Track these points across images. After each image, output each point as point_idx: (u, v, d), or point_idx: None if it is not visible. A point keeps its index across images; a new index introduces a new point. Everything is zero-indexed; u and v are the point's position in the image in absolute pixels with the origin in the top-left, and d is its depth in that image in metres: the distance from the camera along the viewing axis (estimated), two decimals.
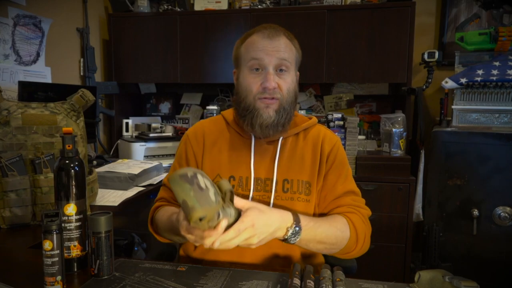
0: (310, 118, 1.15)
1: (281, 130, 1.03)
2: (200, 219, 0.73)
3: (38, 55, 2.16)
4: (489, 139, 1.89)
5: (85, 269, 0.87)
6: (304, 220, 0.91)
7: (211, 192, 0.74)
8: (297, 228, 0.89)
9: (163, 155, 2.44)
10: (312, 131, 1.12)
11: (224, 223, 0.76)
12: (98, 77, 2.65)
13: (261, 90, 1.00)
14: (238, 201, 0.82)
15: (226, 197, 0.79)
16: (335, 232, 0.97)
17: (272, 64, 1.00)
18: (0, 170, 1.16)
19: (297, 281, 0.79)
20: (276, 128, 1.02)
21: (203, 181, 0.74)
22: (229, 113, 1.15)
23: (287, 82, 1.02)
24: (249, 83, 1.01)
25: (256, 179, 1.05)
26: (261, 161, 1.06)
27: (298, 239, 0.89)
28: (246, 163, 1.06)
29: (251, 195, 1.04)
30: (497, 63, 1.97)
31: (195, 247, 1.08)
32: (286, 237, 0.88)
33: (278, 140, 1.07)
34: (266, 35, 1.02)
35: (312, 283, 0.78)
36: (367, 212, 1.06)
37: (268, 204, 1.03)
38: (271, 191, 1.04)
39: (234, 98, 1.09)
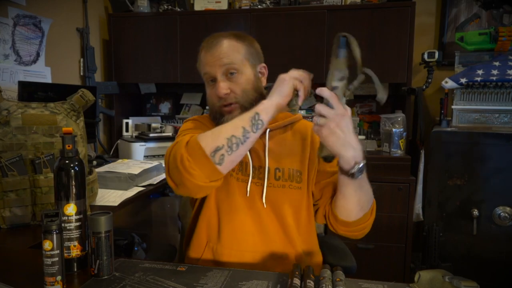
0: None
1: None
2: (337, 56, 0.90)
3: (38, 55, 2.16)
4: (489, 139, 1.89)
5: (85, 269, 0.87)
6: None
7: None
8: (363, 163, 0.92)
9: (163, 155, 2.44)
10: (299, 126, 1.15)
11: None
12: (98, 77, 2.65)
13: (219, 99, 1.04)
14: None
15: (359, 78, 0.93)
16: (370, 191, 1.02)
17: (219, 72, 1.03)
18: (0, 170, 1.16)
19: (297, 281, 0.79)
20: None
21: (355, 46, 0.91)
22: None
23: (240, 83, 1.04)
24: (210, 95, 1.08)
25: (253, 166, 1.07)
26: (253, 150, 1.08)
27: (363, 172, 0.93)
28: None
29: (250, 180, 1.06)
30: (497, 63, 1.97)
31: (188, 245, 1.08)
32: (354, 169, 0.90)
33: (265, 132, 1.08)
34: (207, 48, 1.06)
35: (312, 283, 0.78)
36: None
37: (261, 191, 1.05)
38: (264, 179, 1.06)
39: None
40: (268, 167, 1.06)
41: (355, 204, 0.99)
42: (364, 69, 0.89)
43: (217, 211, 1.07)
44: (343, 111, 0.86)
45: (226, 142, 0.86)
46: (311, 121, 0.95)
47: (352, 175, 0.91)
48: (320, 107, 0.87)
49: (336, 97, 0.88)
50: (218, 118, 1.06)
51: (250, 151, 1.06)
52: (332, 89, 0.90)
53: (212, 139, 0.87)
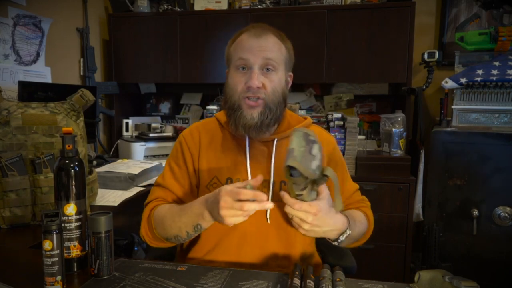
0: (305, 118, 1.15)
1: (265, 131, 1.02)
2: (291, 174, 0.83)
3: (38, 55, 2.16)
4: (489, 139, 1.89)
5: (85, 269, 0.87)
6: (351, 221, 0.98)
7: (315, 163, 0.83)
8: (348, 232, 0.96)
9: (163, 155, 2.44)
10: None
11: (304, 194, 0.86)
12: (98, 77, 2.65)
13: (246, 89, 0.99)
14: (322, 189, 0.89)
15: (320, 181, 0.87)
16: (363, 229, 1.07)
17: (257, 63, 0.99)
18: (0, 170, 1.16)
19: (297, 281, 0.79)
20: (259, 129, 1.01)
21: (317, 151, 0.85)
22: (222, 114, 1.13)
23: (273, 81, 1.01)
24: (235, 82, 1.02)
25: None
26: (257, 162, 1.05)
27: (345, 241, 0.96)
28: (242, 164, 1.05)
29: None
30: (497, 63, 1.97)
31: (189, 245, 1.08)
32: (339, 240, 0.95)
33: (273, 141, 1.06)
34: (253, 34, 1.01)
35: (312, 283, 0.78)
36: (369, 204, 1.17)
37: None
38: (268, 193, 1.03)
39: (223, 97, 1.09)
40: (274, 181, 1.03)
41: (348, 244, 1.06)
42: (326, 170, 0.85)
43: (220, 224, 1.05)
44: (314, 210, 0.86)
45: (173, 237, 1.00)
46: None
47: (339, 243, 0.97)
48: (289, 210, 0.88)
49: (301, 202, 0.86)
50: (235, 109, 1.01)
51: (253, 165, 1.05)
52: (297, 196, 0.88)
53: (164, 230, 1.00)
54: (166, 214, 1.00)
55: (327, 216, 0.89)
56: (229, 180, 1.04)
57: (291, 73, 1.10)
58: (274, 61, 1.00)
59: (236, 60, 1.01)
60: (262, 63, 0.99)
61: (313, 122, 1.16)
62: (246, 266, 0.99)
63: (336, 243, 0.97)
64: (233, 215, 0.84)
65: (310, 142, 0.84)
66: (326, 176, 0.85)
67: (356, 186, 1.17)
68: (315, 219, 0.86)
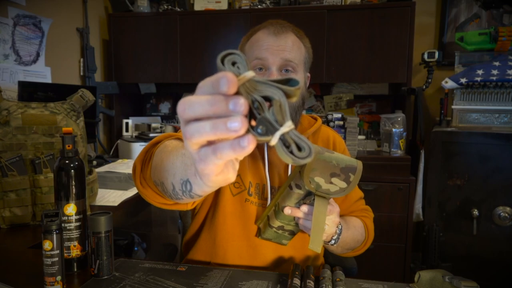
0: (315, 119, 1.11)
1: None
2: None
3: (38, 55, 2.16)
4: (489, 139, 1.89)
5: (85, 269, 0.87)
6: (342, 222, 0.95)
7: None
8: (340, 227, 0.92)
9: None
10: (321, 134, 1.09)
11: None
12: (98, 77, 2.65)
13: None
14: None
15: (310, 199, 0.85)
16: (358, 237, 1.01)
17: (276, 65, 0.93)
18: (0, 170, 1.16)
19: (297, 281, 0.79)
20: None
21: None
22: None
23: None
24: None
25: (271, 187, 1.00)
26: (274, 168, 1.01)
27: (339, 240, 0.92)
28: (260, 169, 1.00)
29: (268, 203, 0.98)
30: (497, 63, 1.97)
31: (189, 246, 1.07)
32: (334, 236, 0.91)
33: None
34: (271, 32, 0.94)
35: (312, 283, 0.78)
36: (373, 215, 1.12)
37: None
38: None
39: None
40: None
41: (340, 252, 1.02)
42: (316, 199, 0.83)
43: (226, 234, 1.01)
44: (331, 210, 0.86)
45: (159, 182, 0.69)
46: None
47: (331, 244, 0.93)
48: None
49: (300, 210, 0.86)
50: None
51: (270, 171, 1.00)
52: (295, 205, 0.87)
53: (159, 163, 0.68)
54: (168, 146, 0.72)
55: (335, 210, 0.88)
56: (249, 184, 1.01)
57: (308, 74, 1.05)
58: (293, 62, 0.94)
59: (253, 60, 0.95)
60: (281, 64, 0.93)
61: None
62: (246, 266, 0.99)
63: (332, 243, 0.92)
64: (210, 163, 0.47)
65: (346, 174, 0.80)
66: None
67: (361, 194, 1.12)
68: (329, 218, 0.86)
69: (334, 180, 0.78)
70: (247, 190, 1.00)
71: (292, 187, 0.83)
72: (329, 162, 0.78)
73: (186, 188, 0.58)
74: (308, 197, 0.84)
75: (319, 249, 0.77)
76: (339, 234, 0.92)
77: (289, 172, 0.99)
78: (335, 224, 0.90)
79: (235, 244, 1.01)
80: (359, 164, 0.81)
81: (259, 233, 0.99)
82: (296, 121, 0.99)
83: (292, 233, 0.94)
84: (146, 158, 0.77)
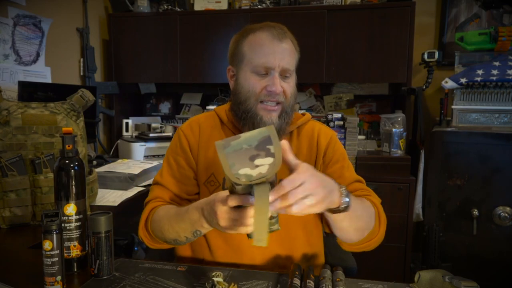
0: (303, 114, 1.13)
1: (281, 134, 1.01)
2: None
3: (38, 55, 2.16)
4: (489, 139, 1.89)
5: (85, 269, 0.87)
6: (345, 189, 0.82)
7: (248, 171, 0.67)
8: (345, 189, 0.79)
9: (163, 155, 2.43)
10: (306, 127, 1.10)
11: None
12: (98, 77, 2.65)
13: (266, 93, 0.97)
14: (290, 156, 0.73)
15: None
16: (368, 209, 0.92)
17: (278, 69, 0.97)
18: (0, 170, 1.16)
19: (297, 281, 0.79)
20: (277, 134, 0.98)
21: (263, 163, 0.67)
22: (222, 111, 1.10)
23: (291, 86, 1.01)
24: (253, 85, 0.97)
25: None
26: None
27: (349, 204, 0.78)
28: None
29: None
30: (497, 63, 1.97)
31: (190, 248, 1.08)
32: (341, 200, 0.77)
33: None
34: (275, 37, 0.97)
35: (312, 283, 0.78)
36: (379, 199, 1.01)
37: None
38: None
39: (232, 99, 1.04)
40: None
41: (354, 233, 0.92)
42: (257, 187, 0.69)
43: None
44: (300, 178, 0.70)
45: (172, 240, 0.95)
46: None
47: (340, 211, 0.80)
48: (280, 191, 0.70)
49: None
50: (252, 115, 0.98)
51: None
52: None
53: (162, 234, 0.96)
54: (162, 219, 0.95)
55: (318, 176, 0.73)
56: (223, 180, 1.03)
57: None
58: (290, 68, 0.99)
59: (256, 64, 0.97)
60: (282, 70, 0.97)
61: None
62: (246, 266, 0.99)
63: (345, 206, 0.78)
64: (235, 225, 0.72)
65: (264, 149, 0.68)
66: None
67: (358, 177, 1.05)
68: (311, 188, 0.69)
69: (257, 161, 0.68)
70: (221, 185, 1.03)
71: (234, 186, 0.73)
72: (240, 149, 0.68)
73: (196, 234, 0.89)
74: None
75: (265, 243, 0.66)
76: (347, 195, 0.78)
77: None
78: (321, 185, 0.71)
79: (217, 240, 1.03)
80: (269, 130, 0.70)
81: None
82: (290, 119, 1.03)
83: (272, 218, 0.77)
84: (147, 228, 1.01)
